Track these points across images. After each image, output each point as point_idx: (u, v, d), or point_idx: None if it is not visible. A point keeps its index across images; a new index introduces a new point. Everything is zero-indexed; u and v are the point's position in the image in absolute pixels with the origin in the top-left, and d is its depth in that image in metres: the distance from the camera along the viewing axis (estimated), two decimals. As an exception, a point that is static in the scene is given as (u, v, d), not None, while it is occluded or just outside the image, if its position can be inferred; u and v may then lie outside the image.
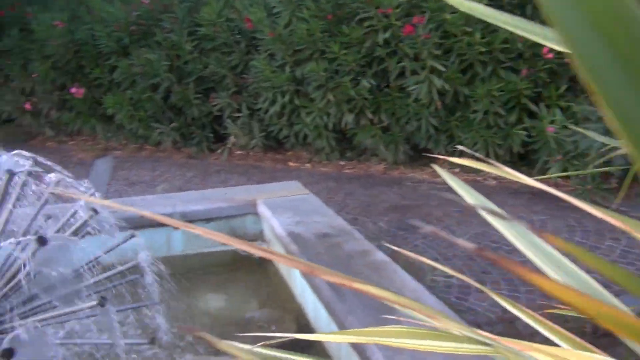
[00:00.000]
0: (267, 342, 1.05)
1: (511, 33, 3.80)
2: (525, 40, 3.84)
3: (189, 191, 3.60)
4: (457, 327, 0.56)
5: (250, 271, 2.75)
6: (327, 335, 0.82)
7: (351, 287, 0.63)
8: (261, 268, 2.78)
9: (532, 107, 4.03)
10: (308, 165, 5.26)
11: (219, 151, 5.47)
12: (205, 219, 2.91)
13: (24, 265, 1.26)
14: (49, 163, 1.54)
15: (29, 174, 1.46)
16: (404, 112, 4.34)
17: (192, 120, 5.41)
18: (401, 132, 4.50)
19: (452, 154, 4.56)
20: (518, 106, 4.05)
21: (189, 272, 2.67)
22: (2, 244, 1.19)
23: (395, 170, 4.86)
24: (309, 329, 2.14)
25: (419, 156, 4.91)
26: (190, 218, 2.87)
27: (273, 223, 2.61)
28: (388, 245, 1.51)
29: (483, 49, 3.90)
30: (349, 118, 4.53)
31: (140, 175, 5.13)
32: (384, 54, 4.25)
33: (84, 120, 5.77)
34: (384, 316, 1.02)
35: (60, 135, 6.39)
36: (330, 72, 4.39)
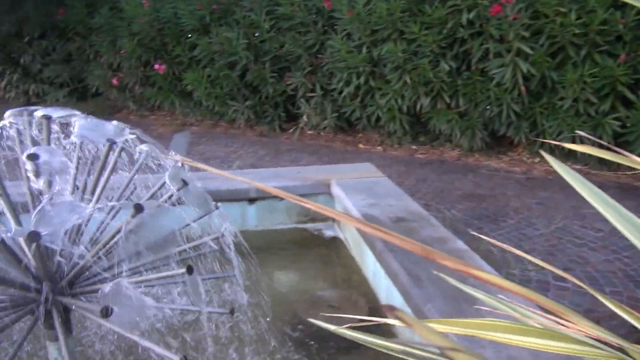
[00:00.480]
0: (353, 325, 1.03)
1: (611, 13, 3.51)
2: (627, 22, 3.53)
3: (264, 168, 3.67)
4: (590, 329, 0.51)
5: (320, 251, 2.77)
6: (433, 324, 0.79)
7: (468, 274, 0.59)
8: (332, 248, 2.79)
9: (630, 95, 3.71)
10: (379, 148, 5.20)
11: (291, 130, 5.52)
12: (280, 197, 2.95)
13: (120, 231, 1.32)
14: (140, 134, 1.60)
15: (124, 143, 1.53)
16: (484, 97, 4.15)
17: (266, 98, 5.49)
18: (479, 118, 4.32)
19: (534, 143, 4.32)
20: (613, 94, 3.74)
21: (260, 247, 2.73)
22: (100, 207, 1.26)
23: (470, 157, 4.69)
24: (381, 312, 2.12)
25: (496, 143, 4.71)
26: (265, 195, 2.92)
27: (347, 204, 2.60)
28: (475, 233, 1.44)
29: (577, 31, 3.62)
30: (425, 101, 4.40)
31: (215, 151, 5.30)
32: (467, 35, 4.06)
33: (165, 96, 6.02)
34: (484, 308, 0.98)
35: (142, 109, 6.73)
36: (409, 53, 4.27)
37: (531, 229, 3.20)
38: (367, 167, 3.27)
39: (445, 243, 2.04)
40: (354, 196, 2.65)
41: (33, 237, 1.12)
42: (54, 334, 1.59)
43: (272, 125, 5.64)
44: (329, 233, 2.96)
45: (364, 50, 4.53)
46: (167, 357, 1.27)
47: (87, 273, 1.49)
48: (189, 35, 5.59)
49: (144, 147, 1.65)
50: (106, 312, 1.18)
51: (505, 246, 1.13)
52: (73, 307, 1.46)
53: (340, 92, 4.85)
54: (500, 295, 1.10)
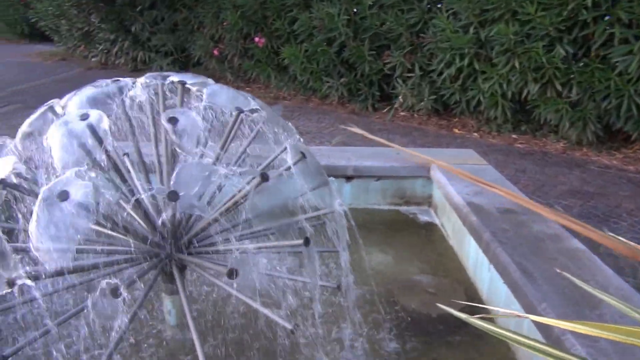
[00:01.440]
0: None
1: None
2: None
3: (362, 147, 3.65)
4: None
5: (414, 235, 2.71)
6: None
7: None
8: (426, 234, 2.73)
9: None
10: (475, 134, 4.98)
11: (385, 110, 5.44)
12: (377, 177, 2.92)
13: (245, 197, 1.36)
14: (258, 104, 1.63)
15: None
16: (602, 87, 3.81)
17: (362, 76, 5.43)
18: (593, 109, 3.98)
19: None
20: None
21: (353, 226, 2.73)
22: (232, 172, 1.29)
23: (577, 150, 4.36)
24: (480, 304, 2.05)
25: (609, 138, 4.34)
26: (362, 173, 2.90)
27: (449, 190, 2.52)
28: (610, 233, 1.33)
29: None
30: (533, 88, 4.13)
31: (307, 126, 5.35)
32: (590, 18, 3.73)
33: (262, 69, 6.14)
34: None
35: (238, 80, 6.93)
36: (521, 35, 4.00)
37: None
38: (470, 154, 3.15)
39: (561, 241, 1.91)
40: (457, 183, 2.56)
41: (172, 196, 1.18)
42: (170, 288, 1.69)
43: (364, 104, 5.59)
44: (424, 218, 2.89)
45: (471, 30, 4.32)
46: (281, 323, 1.31)
47: (205, 233, 1.56)
48: (291, 10, 5.62)
49: (258, 116, 1.67)
50: (232, 274, 1.22)
51: (633, 244, 1.02)
52: (192, 264, 1.54)
53: (440, 74, 4.68)
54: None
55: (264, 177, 1.31)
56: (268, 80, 6.38)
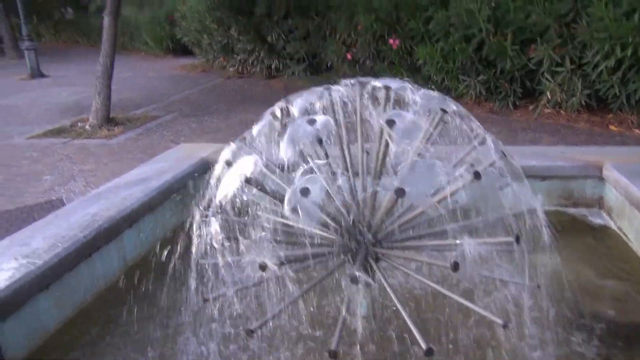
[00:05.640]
0: None
1: None
2: None
3: (520, 146, 3.53)
4: None
5: (586, 239, 2.56)
6: None
7: None
8: (601, 238, 2.56)
9: None
10: (637, 130, 4.55)
11: (531, 108, 5.18)
12: (542, 177, 2.81)
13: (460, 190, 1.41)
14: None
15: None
16: None
17: (501, 73, 5.24)
18: None
19: None
20: None
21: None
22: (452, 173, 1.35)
23: None
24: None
25: None
26: (527, 173, 2.79)
27: (632, 190, 2.34)
28: None
29: None
30: None
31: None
32: None
33: (396, 71, 6.19)
34: None
35: (368, 83, 7.05)
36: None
37: None
38: (648, 151, 2.89)
39: None
40: (641, 182, 2.37)
41: (399, 193, 1.26)
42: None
43: (504, 102, 5.38)
44: (596, 221, 2.72)
45: (636, 17, 3.96)
46: (493, 319, 1.34)
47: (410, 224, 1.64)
48: (426, 9, 5.60)
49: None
50: (455, 267, 1.28)
51: None
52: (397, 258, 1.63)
53: (596, 66, 4.35)
54: None
55: (477, 175, 1.35)
56: (400, 82, 6.40)
